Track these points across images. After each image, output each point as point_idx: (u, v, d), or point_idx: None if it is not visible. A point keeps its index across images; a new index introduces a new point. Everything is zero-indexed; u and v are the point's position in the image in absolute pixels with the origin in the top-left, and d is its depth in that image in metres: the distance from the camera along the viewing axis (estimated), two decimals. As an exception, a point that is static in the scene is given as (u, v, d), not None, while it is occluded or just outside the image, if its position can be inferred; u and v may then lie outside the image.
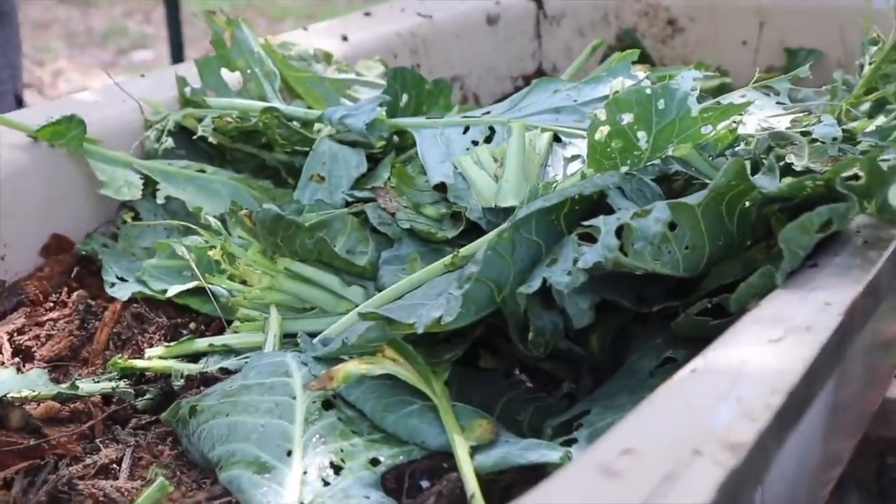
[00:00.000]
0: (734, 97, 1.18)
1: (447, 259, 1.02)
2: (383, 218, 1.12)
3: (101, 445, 0.93)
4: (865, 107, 1.26)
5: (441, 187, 1.16)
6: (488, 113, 1.26)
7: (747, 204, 0.88)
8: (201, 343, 1.05)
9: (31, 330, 1.10)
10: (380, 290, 1.04)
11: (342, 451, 0.82)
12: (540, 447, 0.80)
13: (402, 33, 1.67)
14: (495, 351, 1.00)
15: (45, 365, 1.05)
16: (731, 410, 0.61)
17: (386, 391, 0.87)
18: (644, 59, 1.86)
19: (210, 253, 1.13)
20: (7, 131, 1.22)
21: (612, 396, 0.86)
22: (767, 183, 0.87)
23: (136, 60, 4.99)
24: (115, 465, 0.91)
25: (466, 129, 1.24)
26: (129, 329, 1.11)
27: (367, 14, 1.72)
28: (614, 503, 0.53)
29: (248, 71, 1.40)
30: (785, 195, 0.87)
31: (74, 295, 1.14)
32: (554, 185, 1.06)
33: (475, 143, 1.22)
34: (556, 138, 1.18)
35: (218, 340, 1.05)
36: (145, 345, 1.08)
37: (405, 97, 1.37)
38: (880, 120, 1.15)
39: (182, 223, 1.22)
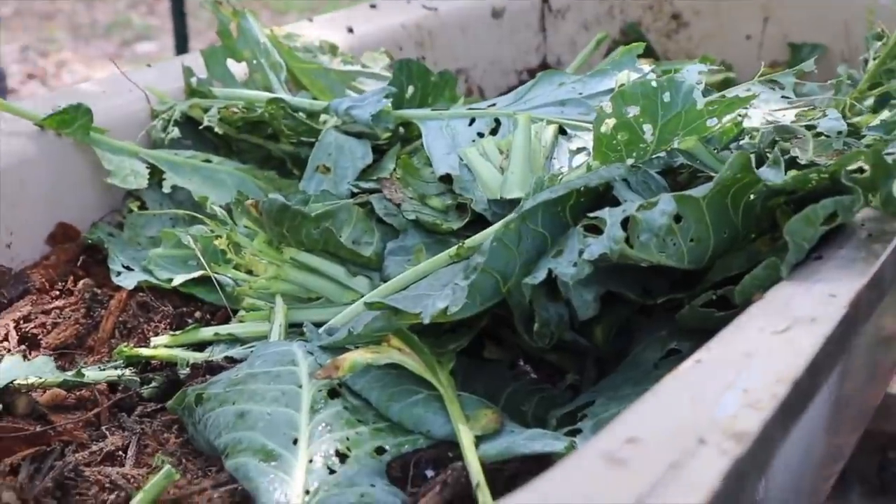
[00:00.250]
0: (739, 91, 1.19)
1: (452, 250, 1.02)
2: (389, 209, 1.13)
3: (107, 433, 0.94)
4: (870, 101, 1.26)
5: (447, 179, 1.16)
6: (494, 105, 1.26)
7: (752, 196, 0.89)
8: (207, 332, 1.05)
9: (37, 318, 1.10)
10: (385, 281, 1.04)
11: (348, 439, 0.82)
12: (545, 437, 0.81)
13: (408, 25, 1.67)
14: (500, 342, 1.00)
15: (51, 352, 1.05)
16: (736, 400, 0.61)
17: (391, 380, 0.87)
18: (648, 53, 1.86)
19: (216, 242, 1.13)
20: (13, 120, 1.23)
21: (617, 388, 0.86)
22: (773, 176, 0.87)
23: (139, 52, 4.99)
24: (120, 453, 0.91)
25: (472, 122, 1.24)
26: (135, 318, 1.11)
27: (373, 6, 1.73)
28: (620, 491, 0.53)
29: (254, 62, 1.40)
30: (790, 188, 0.87)
31: (80, 283, 1.15)
32: (559, 178, 1.07)
33: (481, 134, 1.22)
34: (562, 131, 1.18)
35: (223, 329, 1.05)
36: (151, 333, 1.09)
37: (411, 89, 1.38)
38: (885, 114, 1.15)
39: (188, 212, 1.23)
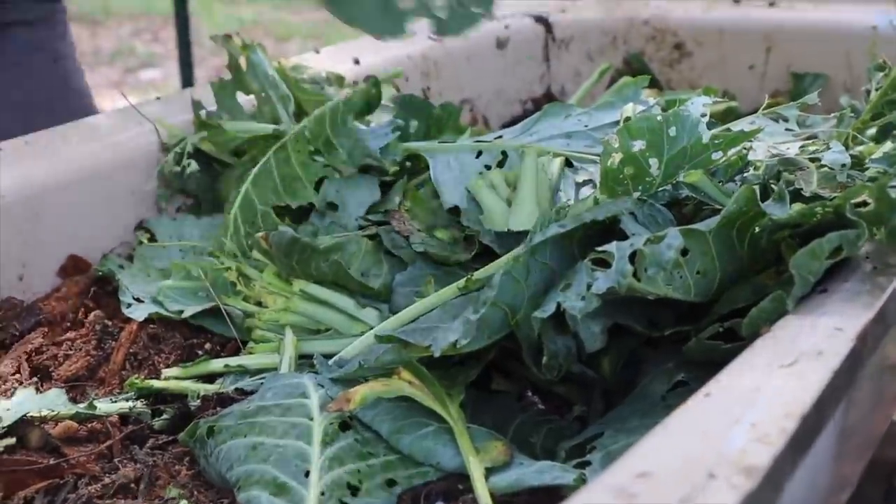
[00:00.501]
0: (744, 124, 1.20)
1: (461, 282, 1.03)
2: (397, 241, 1.14)
3: (120, 465, 0.94)
4: (872, 131, 1.27)
5: (455, 211, 1.17)
6: (500, 137, 1.28)
7: (758, 230, 0.90)
8: (217, 364, 1.06)
9: (48, 350, 1.11)
10: (394, 313, 1.05)
11: (359, 471, 0.83)
12: (554, 469, 0.82)
13: (414, 56, 1.69)
14: (508, 374, 1.01)
15: (63, 384, 1.06)
16: (745, 434, 0.62)
17: (401, 413, 0.88)
18: (652, 83, 1.88)
19: (226, 274, 1.15)
20: (24, 152, 1.24)
21: (625, 420, 0.87)
22: (778, 210, 0.88)
23: (143, 79, 5.02)
24: (133, 485, 0.92)
25: (479, 154, 1.25)
26: (146, 349, 1.12)
27: (379, 37, 1.74)
28: (633, 526, 0.54)
29: (263, 94, 1.41)
30: (795, 221, 0.88)
31: (91, 315, 1.16)
32: (566, 210, 1.08)
33: (488, 167, 1.23)
34: (568, 163, 1.19)
35: (234, 361, 1.06)
36: (161, 365, 1.10)
37: (414, 122, 1.39)
38: (888, 146, 1.16)
39: (197, 244, 1.24)
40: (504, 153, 1.24)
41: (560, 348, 0.90)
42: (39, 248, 1.20)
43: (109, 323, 1.15)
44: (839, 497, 1.02)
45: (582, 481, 0.79)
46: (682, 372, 0.89)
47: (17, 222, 1.18)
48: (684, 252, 0.87)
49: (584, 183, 1.18)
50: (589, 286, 0.87)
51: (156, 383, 1.04)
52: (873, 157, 1.13)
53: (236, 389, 1.02)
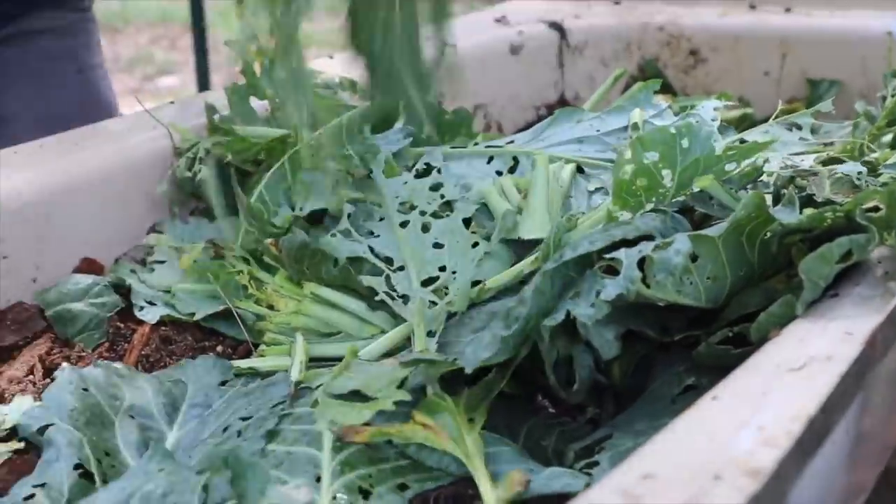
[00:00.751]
0: (757, 133, 1.20)
1: (474, 292, 1.03)
2: (408, 245, 1.14)
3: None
4: (888, 137, 1.27)
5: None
6: (512, 143, 1.28)
7: (768, 235, 0.90)
8: (228, 366, 1.07)
9: (62, 351, 1.12)
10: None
11: (370, 476, 0.83)
12: (563, 476, 0.81)
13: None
14: (517, 376, 1.01)
15: (76, 387, 1.07)
16: (752, 437, 0.62)
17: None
18: (666, 89, 1.88)
19: (237, 278, 1.15)
20: (36, 154, 1.25)
21: (634, 422, 0.87)
22: (787, 215, 0.88)
23: (161, 86, 5.05)
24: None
25: (490, 159, 1.25)
26: (158, 351, 1.13)
27: (393, 43, 1.74)
28: (637, 527, 0.54)
29: (277, 100, 1.42)
30: (805, 226, 0.88)
31: (104, 318, 1.16)
32: (577, 218, 1.08)
33: (499, 173, 1.24)
34: (579, 169, 1.19)
35: (245, 363, 1.07)
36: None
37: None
38: (901, 152, 1.16)
39: (209, 246, 1.24)
40: (515, 159, 1.24)
41: (585, 375, 0.90)
42: (53, 251, 1.21)
43: (122, 325, 1.16)
44: (854, 503, 1.01)
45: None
46: (693, 376, 0.89)
47: (30, 224, 1.19)
48: (694, 258, 0.87)
49: (596, 190, 1.18)
50: (598, 294, 0.87)
51: (167, 386, 1.04)
52: (887, 163, 1.13)
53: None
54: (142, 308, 1.18)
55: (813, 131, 1.24)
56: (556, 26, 1.94)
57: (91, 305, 1.16)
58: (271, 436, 0.88)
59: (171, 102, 1.46)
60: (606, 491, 0.58)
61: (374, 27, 1.01)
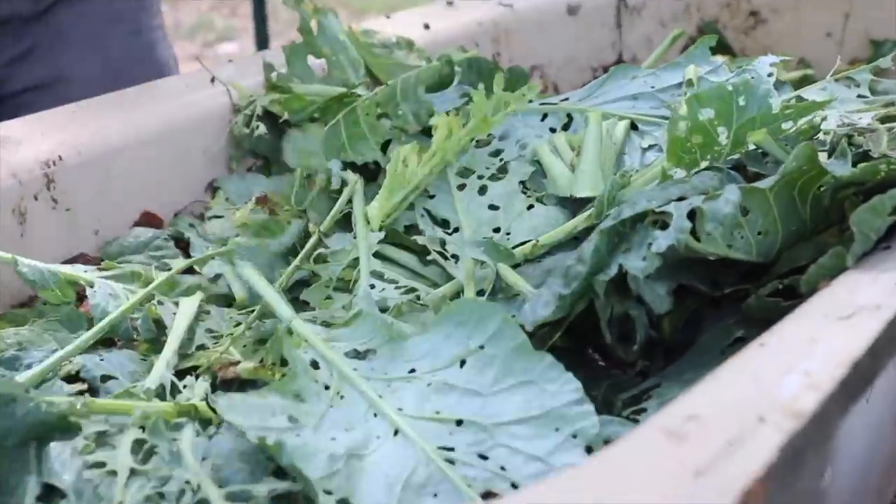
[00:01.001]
0: (815, 90, 1.19)
1: (527, 248, 1.04)
2: (460, 200, 1.15)
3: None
4: (950, 96, 1.25)
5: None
6: (566, 100, 1.28)
7: (821, 189, 0.89)
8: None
9: (122, 303, 1.14)
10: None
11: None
12: (611, 424, 0.82)
13: (484, 22, 1.69)
14: (568, 331, 1.01)
15: (135, 341, 1.09)
16: (797, 382, 0.62)
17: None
18: (726, 50, 1.86)
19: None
20: (95, 110, 1.28)
21: (682, 372, 0.87)
22: (839, 168, 0.87)
23: (221, 53, 5.08)
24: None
25: (544, 117, 1.26)
26: (216, 304, 1.15)
27: (450, 3, 1.75)
28: (679, 462, 0.55)
29: (334, 58, 1.43)
30: (858, 179, 0.88)
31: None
32: (630, 175, 1.08)
33: (553, 130, 1.24)
34: (633, 126, 1.19)
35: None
36: (230, 321, 1.12)
37: (481, 86, 1.40)
38: (961, 109, 1.14)
39: (267, 204, 1.26)
40: (569, 116, 1.24)
41: (642, 332, 0.91)
42: (114, 204, 1.24)
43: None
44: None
45: (637, 432, 0.79)
46: (742, 328, 0.89)
47: (92, 178, 1.22)
48: (745, 212, 0.87)
49: (650, 147, 1.18)
50: (649, 246, 0.87)
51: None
52: (948, 119, 1.11)
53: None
54: (201, 262, 1.20)
55: (871, 90, 1.23)
56: (614, -13, 1.93)
57: (152, 258, 1.18)
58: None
59: (230, 61, 1.48)
60: (651, 429, 0.59)
61: None
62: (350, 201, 1.18)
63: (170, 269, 1.09)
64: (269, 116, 1.36)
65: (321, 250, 1.13)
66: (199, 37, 5.37)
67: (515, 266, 1.02)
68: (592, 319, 0.94)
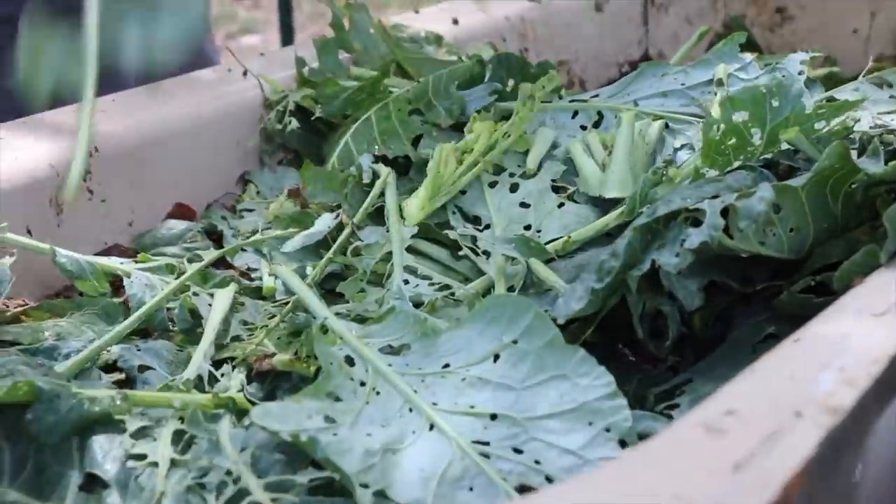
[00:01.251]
0: (847, 90, 1.19)
1: (558, 244, 1.05)
2: (490, 199, 1.16)
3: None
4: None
5: (551, 171, 1.19)
6: (596, 96, 1.29)
7: (853, 186, 0.90)
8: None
9: (155, 294, 1.16)
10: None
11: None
12: (644, 419, 0.83)
13: (512, 17, 1.70)
14: (600, 327, 1.02)
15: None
16: (833, 378, 0.63)
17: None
18: (753, 47, 1.86)
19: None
20: (127, 102, 1.29)
21: (714, 368, 0.88)
22: (871, 165, 0.88)
23: (244, 45, 5.10)
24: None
25: (575, 114, 1.26)
26: (248, 295, 1.16)
27: (478, -2, 1.76)
28: (718, 456, 0.56)
29: (364, 53, 1.44)
30: (890, 177, 0.88)
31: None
32: (661, 173, 1.08)
33: (584, 127, 1.25)
34: (666, 125, 1.20)
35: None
36: (262, 313, 1.13)
37: (511, 82, 1.41)
38: None
39: (297, 198, 1.27)
40: (600, 113, 1.25)
41: (674, 328, 0.91)
42: (148, 195, 1.25)
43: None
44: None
45: (670, 426, 0.80)
46: (773, 325, 0.90)
47: (127, 169, 1.23)
48: (777, 209, 0.87)
49: (681, 147, 1.19)
50: (682, 243, 0.88)
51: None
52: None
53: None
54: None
55: (902, 90, 1.23)
56: (641, -17, 1.94)
57: (185, 250, 1.20)
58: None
59: (261, 55, 1.49)
60: (690, 424, 0.59)
61: None
62: (382, 194, 1.18)
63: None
64: (300, 111, 1.38)
65: (354, 243, 1.14)
66: (222, 28, 5.38)
67: (547, 262, 1.03)
68: (623, 315, 0.95)
